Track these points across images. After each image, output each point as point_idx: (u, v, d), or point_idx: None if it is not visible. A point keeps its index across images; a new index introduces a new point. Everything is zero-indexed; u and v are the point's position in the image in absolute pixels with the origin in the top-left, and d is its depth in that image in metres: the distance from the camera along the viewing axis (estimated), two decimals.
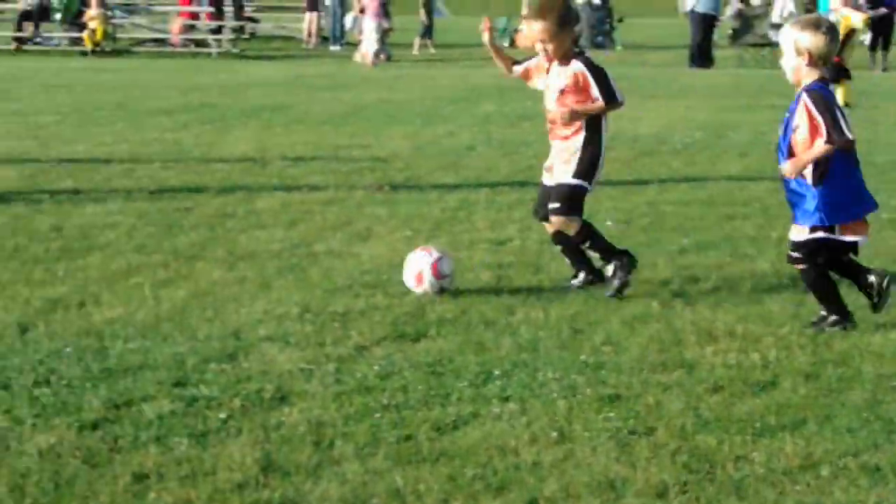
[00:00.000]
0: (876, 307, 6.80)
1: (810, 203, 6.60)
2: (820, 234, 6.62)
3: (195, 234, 9.01)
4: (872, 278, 6.78)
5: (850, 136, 6.51)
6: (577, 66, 7.54)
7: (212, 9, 33.02)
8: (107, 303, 7.08)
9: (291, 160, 12.64)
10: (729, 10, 36.45)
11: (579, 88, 7.50)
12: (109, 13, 31.85)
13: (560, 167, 7.57)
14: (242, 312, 6.94)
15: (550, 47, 7.53)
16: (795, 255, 6.74)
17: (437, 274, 7.34)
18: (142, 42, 33.19)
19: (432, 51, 32.91)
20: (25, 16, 32.04)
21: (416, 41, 33.39)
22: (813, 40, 6.59)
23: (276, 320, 6.79)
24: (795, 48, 6.64)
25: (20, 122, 15.75)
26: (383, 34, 30.32)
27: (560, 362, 6.08)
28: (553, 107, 7.60)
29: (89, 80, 22.74)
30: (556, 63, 7.56)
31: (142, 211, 9.79)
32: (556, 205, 7.49)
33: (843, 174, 6.60)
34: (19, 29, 32.01)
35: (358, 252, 8.50)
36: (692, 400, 5.54)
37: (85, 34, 30.61)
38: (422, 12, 33.90)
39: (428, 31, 33.82)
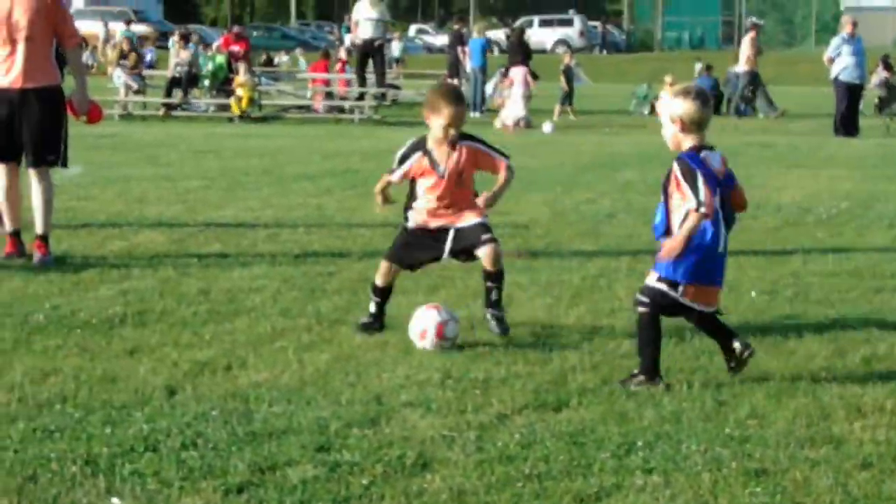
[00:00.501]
0: (733, 371, 7.03)
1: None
2: (663, 287, 6.86)
3: (338, 298, 9.12)
4: (736, 345, 6.99)
5: (702, 209, 6.74)
6: None
7: (346, 76, 33.59)
8: (252, 366, 7.19)
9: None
10: (875, 79, 36.02)
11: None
12: (256, 80, 32.53)
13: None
14: (384, 377, 6.99)
15: None
16: (639, 297, 6.95)
17: (441, 336, 7.62)
18: (286, 108, 33.81)
19: (572, 117, 32.98)
20: (175, 82, 32.87)
21: (557, 108, 33.50)
22: (684, 107, 6.89)
23: (418, 386, 6.82)
24: (669, 116, 6.95)
25: (169, 186, 16.12)
26: (525, 101, 30.48)
27: (704, 434, 6.01)
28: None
29: (236, 145, 23.21)
30: None
31: (286, 275, 9.93)
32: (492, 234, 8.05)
33: (701, 237, 6.83)
34: (168, 95, 32.84)
35: None
36: (841, 476, 5.43)
37: (232, 101, 31.29)
38: (562, 79, 34.03)
39: (568, 98, 33.92)
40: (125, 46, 35.14)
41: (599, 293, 9.46)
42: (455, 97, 8.09)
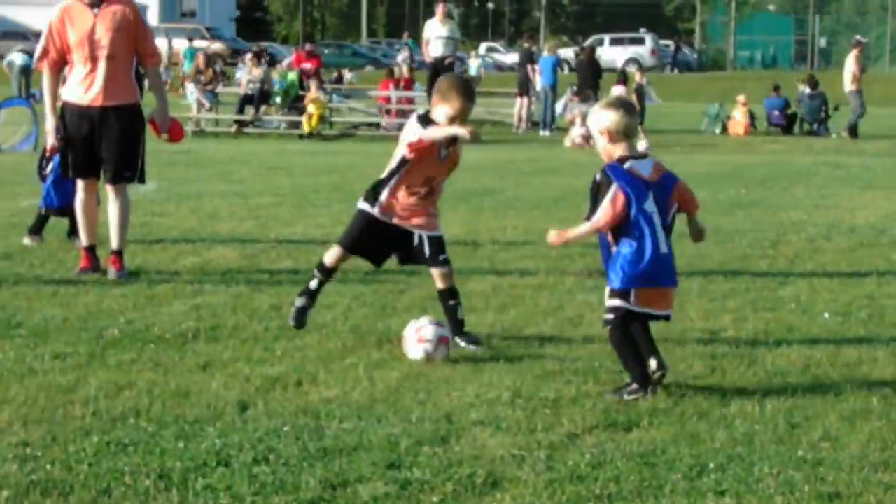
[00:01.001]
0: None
1: (611, 266, 7.13)
2: (616, 301, 7.10)
3: (408, 315, 9.12)
4: (652, 363, 7.02)
5: (597, 223, 7.15)
6: None
7: (415, 94, 33.80)
8: (323, 382, 7.23)
9: (502, 244, 12.74)
10: None
11: None
12: (327, 97, 32.74)
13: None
14: (454, 396, 7.00)
15: None
16: (604, 317, 7.21)
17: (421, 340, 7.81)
18: (357, 126, 33.99)
19: (642, 135, 32.87)
20: (247, 99, 33.15)
21: None
22: (609, 118, 7.17)
23: (488, 404, 6.83)
24: (598, 129, 7.25)
25: (241, 203, 16.25)
26: None
27: (777, 457, 5.96)
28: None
29: (306, 162, 23.36)
30: None
31: (357, 292, 9.97)
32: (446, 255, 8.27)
33: (640, 243, 7.06)
34: (240, 112, 33.12)
35: (569, 338, 8.50)
36: None
37: (304, 118, 31.49)
38: (633, 98, 33.93)
39: (640, 117, 33.85)
40: (202, 63, 35.47)
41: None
42: (467, 92, 8.21)
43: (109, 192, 10.63)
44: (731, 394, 7.09)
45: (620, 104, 7.30)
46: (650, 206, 7.12)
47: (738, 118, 35.97)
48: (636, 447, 6.09)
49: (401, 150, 8.25)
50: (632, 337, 7.12)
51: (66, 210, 11.80)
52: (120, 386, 7.04)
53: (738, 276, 11.00)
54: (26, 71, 40.61)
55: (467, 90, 8.23)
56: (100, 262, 10.71)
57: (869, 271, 11.42)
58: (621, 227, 7.12)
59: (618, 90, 30.15)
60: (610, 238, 7.21)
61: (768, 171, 22.64)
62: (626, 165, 7.16)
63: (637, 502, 5.32)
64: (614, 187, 7.11)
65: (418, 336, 7.82)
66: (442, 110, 8.13)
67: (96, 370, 7.43)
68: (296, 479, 5.51)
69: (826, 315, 9.37)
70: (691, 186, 7.54)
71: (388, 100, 35.07)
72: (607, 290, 7.20)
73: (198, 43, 53.61)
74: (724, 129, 36.08)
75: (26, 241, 12.23)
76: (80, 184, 10.67)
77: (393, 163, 8.34)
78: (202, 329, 8.53)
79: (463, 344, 8.12)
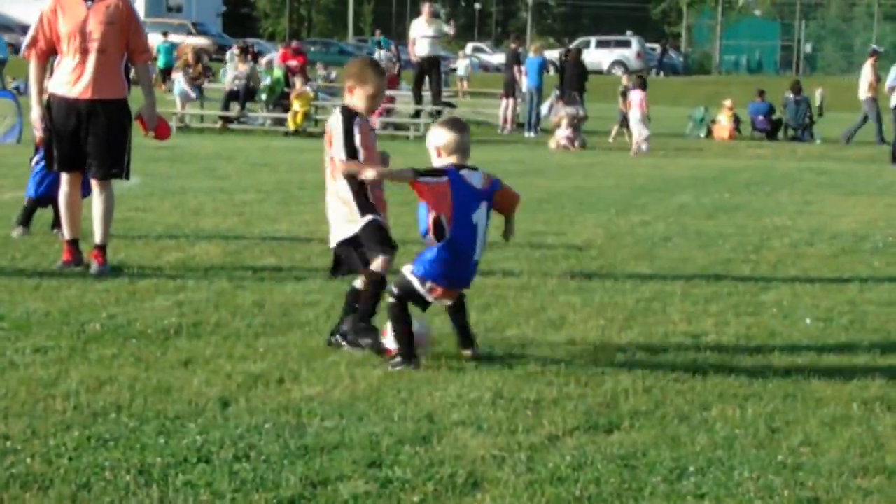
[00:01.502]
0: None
1: (425, 256, 7.64)
2: (415, 282, 7.62)
3: None
4: (466, 353, 7.74)
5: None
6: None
7: (400, 93, 33.83)
8: (305, 380, 7.22)
9: (487, 245, 12.71)
10: None
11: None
12: (312, 95, 32.70)
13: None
14: (436, 395, 6.99)
15: None
16: (391, 287, 7.67)
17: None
18: None
19: (627, 139, 32.92)
20: (232, 95, 33.11)
21: (614, 129, 33.46)
22: (439, 137, 7.72)
23: (469, 405, 6.83)
24: (431, 146, 7.77)
25: (225, 199, 16.24)
26: (579, 121, 30.44)
27: (757, 461, 5.97)
28: None
29: (291, 159, 23.35)
30: None
31: (340, 290, 9.90)
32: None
33: (461, 246, 7.55)
34: (226, 108, 33.08)
35: (551, 339, 8.51)
36: None
37: (289, 115, 31.47)
38: (620, 101, 33.98)
39: (626, 120, 33.84)
40: (190, 57, 35.42)
41: (653, 316, 9.44)
42: (380, 70, 8.22)
43: (94, 186, 10.60)
44: (713, 397, 7.10)
45: (453, 123, 7.81)
46: (479, 216, 7.62)
47: (723, 122, 36.08)
48: (617, 449, 6.10)
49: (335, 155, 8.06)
50: (408, 314, 7.61)
51: (50, 201, 11.79)
52: (101, 381, 7.02)
53: (721, 280, 11.02)
54: (2, 64, 40.39)
55: (379, 68, 8.27)
56: (83, 256, 10.70)
57: (851, 277, 11.46)
58: (450, 230, 7.57)
59: (636, 94, 30.13)
60: (432, 235, 7.64)
61: (752, 175, 22.70)
62: (461, 172, 7.65)
63: None
64: (446, 177, 7.57)
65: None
66: (360, 93, 8.01)
67: (78, 364, 7.41)
68: (276, 477, 5.51)
69: (808, 320, 9.40)
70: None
71: (389, 99, 35.04)
72: (409, 267, 7.69)
73: (173, 37, 53.46)
74: (709, 133, 36.19)
75: (14, 232, 12.22)
76: (64, 177, 10.65)
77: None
78: (184, 325, 8.52)
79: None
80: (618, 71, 63.16)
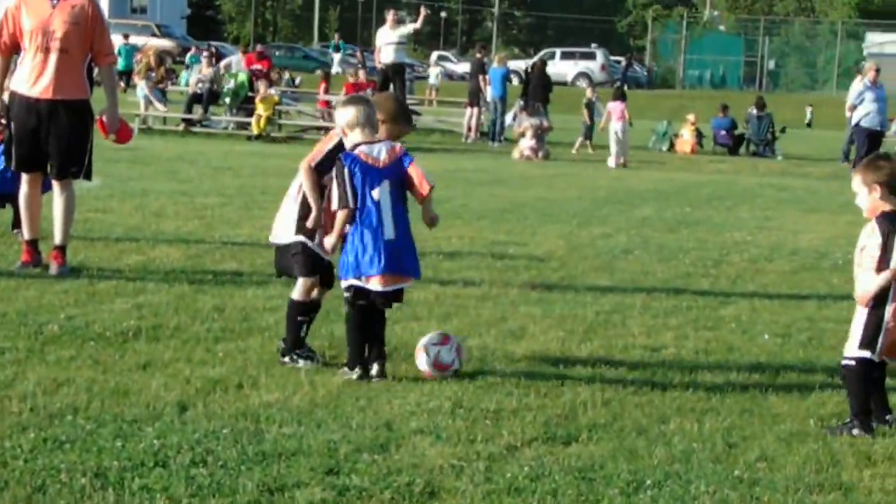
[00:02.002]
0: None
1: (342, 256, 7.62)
2: (353, 283, 7.59)
3: None
4: (374, 368, 7.57)
5: (344, 208, 7.50)
6: None
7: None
8: (264, 386, 7.20)
9: (447, 254, 12.73)
10: (895, 126, 35.94)
11: None
12: (277, 99, 32.61)
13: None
14: (395, 404, 6.99)
15: None
16: (345, 295, 7.67)
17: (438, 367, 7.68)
18: (305, 129, 33.89)
19: (591, 151, 33.01)
20: (195, 98, 32.99)
21: (578, 141, 33.53)
22: (341, 115, 7.68)
23: (428, 413, 6.83)
24: (339, 125, 7.71)
25: (187, 202, 16.17)
26: (543, 132, 30.49)
27: (713, 476, 6.00)
28: None
29: (254, 164, 23.28)
30: None
31: None
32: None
33: (366, 230, 7.49)
34: (189, 111, 32.95)
35: (511, 350, 8.51)
36: None
37: (253, 119, 31.39)
38: (585, 113, 34.07)
39: (589, 132, 33.94)
40: (153, 60, 35.27)
41: (613, 329, 9.46)
42: (410, 117, 8.38)
43: (55, 186, 10.54)
44: (671, 411, 7.13)
45: (353, 100, 8.00)
46: (382, 193, 7.52)
47: (686, 136, 36.21)
48: (574, 461, 6.11)
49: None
50: (362, 323, 7.64)
51: (9, 199, 11.70)
52: (58, 382, 6.98)
53: (681, 294, 11.07)
54: None
55: (409, 116, 8.34)
56: (42, 256, 10.63)
57: (810, 294, 11.53)
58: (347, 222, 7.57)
59: (615, 106, 30.23)
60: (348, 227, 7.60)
61: (713, 190, 22.80)
62: (356, 151, 7.57)
63: None
64: (347, 174, 7.52)
65: (417, 354, 7.79)
66: (385, 131, 7.86)
67: (35, 366, 7.36)
68: (233, 483, 5.49)
69: (766, 336, 9.45)
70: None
71: (327, 103, 35.04)
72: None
73: (135, 39, 53.21)
74: (672, 147, 36.31)
75: None
76: (24, 177, 10.58)
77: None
78: (143, 328, 8.48)
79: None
80: (582, 83, 63.35)
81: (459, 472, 5.85)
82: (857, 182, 7.17)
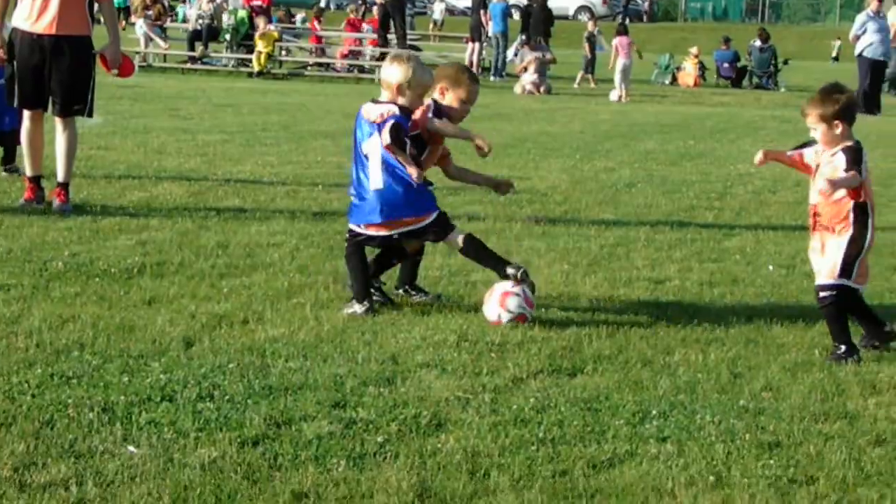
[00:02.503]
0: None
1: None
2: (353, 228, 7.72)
3: None
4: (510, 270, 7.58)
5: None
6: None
7: (374, 35, 33.62)
8: (269, 321, 7.21)
9: (451, 188, 12.67)
10: None
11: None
12: (277, 35, 32.46)
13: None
14: (400, 337, 7.00)
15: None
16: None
17: (504, 306, 7.43)
18: (306, 66, 33.76)
19: (592, 85, 32.88)
20: (196, 35, 32.83)
21: (580, 75, 33.40)
22: (396, 72, 7.61)
23: (434, 347, 6.84)
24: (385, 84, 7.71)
25: (188, 139, 16.13)
26: (546, 64, 30.35)
27: (718, 406, 6.01)
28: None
29: (255, 101, 23.20)
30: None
31: (305, 232, 9.95)
32: None
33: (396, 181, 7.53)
34: (191, 48, 32.80)
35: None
36: (854, 452, 5.44)
37: (253, 56, 31.25)
38: (586, 46, 33.91)
39: (590, 66, 33.80)
40: None
41: (617, 262, 9.46)
42: (474, 77, 8.20)
43: (57, 123, 10.51)
44: (675, 342, 7.14)
45: (410, 58, 7.79)
46: (370, 145, 7.56)
47: (688, 69, 36.07)
48: (580, 392, 6.13)
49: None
50: (362, 257, 7.72)
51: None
52: (64, 319, 6.98)
53: (685, 227, 11.05)
54: None
55: (473, 76, 8.19)
56: (45, 193, 10.61)
57: None
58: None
59: (622, 41, 30.11)
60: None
61: (716, 122, 22.73)
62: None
63: (580, 447, 5.35)
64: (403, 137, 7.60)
65: (502, 301, 7.43)
66: (452, 96, 7.92)
67: (40, 302, 7.37)
68: (240, 416, 5.50)
69: (770, 267, 9.45)
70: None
71: (318, 39, 34.90)
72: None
73: None
74: (674, 80, 36.19)
75: None
76: (26, 114, 10.54)
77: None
78: (147, 264, 8.48)
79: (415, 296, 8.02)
80: (584, 16, 62.95)
81: (465, 404, 5.87)
82: (815, 118, 6.98)
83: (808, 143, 7.24)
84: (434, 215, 7.70)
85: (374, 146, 7.57)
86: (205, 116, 19.68)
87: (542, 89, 29.64)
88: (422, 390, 6.05)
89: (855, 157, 6.92)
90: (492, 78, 33.69)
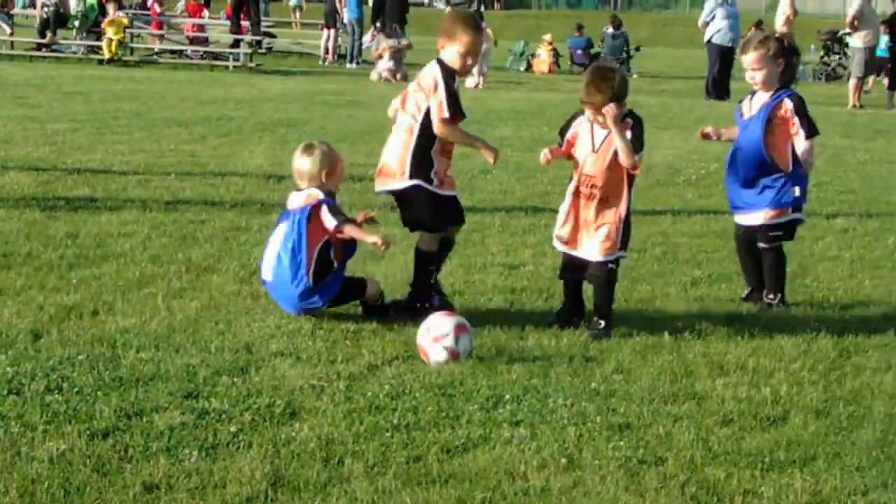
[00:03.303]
0: None
1: None
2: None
3: (209, 246, 9.04)
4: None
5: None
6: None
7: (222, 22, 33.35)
8: (120, 312, 7.10)
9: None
10: None
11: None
12: (127, 22, 31.93)
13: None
14: (254, 326, 6.95)
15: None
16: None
17: (455, 356, 6.49)
18: (159, 53, 33.28)
19: None
20: (46, 23, 32.16)
21: None
22: (306, 164, 7.31)
23: (288, 335, 6.80)
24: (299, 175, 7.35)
25: (37, 128, 15.80)
26: (401, 51, 30.37)
27: (571, 389, 6.08)
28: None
29: (106, 88, 22.80)
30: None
31: (157, 221, 9.81)
32: None
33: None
34: (42, 35, 32.11)
35: (371, 271, 8.49)
36: (702, 432, 5.55)
37: (104, 42, 30.71)
38: None
39: None
40: None
41: (472, 247, 9.50)
42: (475, 24, 7.49)
43: None
44: (529, 327, 7.20)
45: (313, 146, 7.44)
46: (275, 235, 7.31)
47: (543, 56, 36.39)
48: (435, 378, 6.15)
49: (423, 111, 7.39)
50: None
51: None
52: None
53: (539, 213, 11.14)
54: None
55: (473, 22, 7.49)
56: None
57: (664, 210, 11.70)
58: None
59: None
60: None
61: (571, 109, 22.75)
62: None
63: (434, 432, 5.37)
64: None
65: (432, 337, 6.51)
66: (453, 49, 7.32)
67: None
68: (90, 408, 5.41)
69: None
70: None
71: (159, 25, 34.42)
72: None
73: None
74: (529, 67, 36.46)
75: None
76: None
77: (418, 130, 7.42)
78: None
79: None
80: (439, 3, 63.10)
81: (320, 392, 5.85)
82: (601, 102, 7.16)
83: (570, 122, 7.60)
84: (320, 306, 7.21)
85: (278, 235, 7.22)
86: (54, 104, 19.28)
87: (398, 76, 29.63)
88: (276, 379, 6.02)
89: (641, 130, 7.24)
90: (348, 65, 33.60)
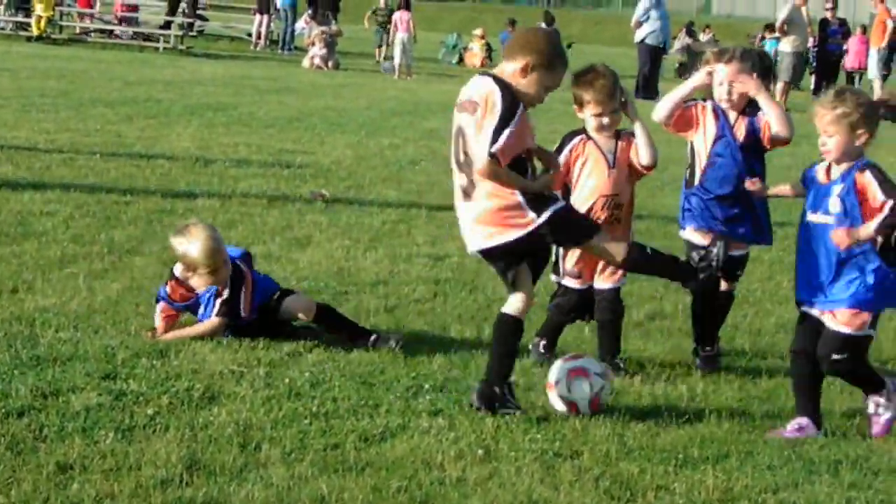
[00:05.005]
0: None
1: None
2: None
3: (133, 227, 8.98)
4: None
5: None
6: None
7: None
8: (40, 291, 7.04)
9: (234, 161, 12.60)
10: (677, 44, 36.74)
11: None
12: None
13: None
14: None
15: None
16: None
17: (597, 407, 5.81)
18: (88, 32, 32.95)
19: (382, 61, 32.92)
20: None
21: (377, 50, 33.48)
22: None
23: None
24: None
25: None
26: (333, 38, 30.26)
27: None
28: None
29: (34, 66, 22.53)
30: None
31: (80, 201, 9.72)
32: None
33: None
34: None
35: (296, 258, 8.49)
36: (618, 427, 5.60)
37: (33, 19, 30.36)
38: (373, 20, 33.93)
39: (384, 41, 33.81)
40: None
41: (398, 238, 9.52)
42: (566, 60, 6.30)
43: None
44: (451, 319, 7.23)
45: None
46: None
47: (475, 50, 36.43)
48: (356, 367, 6.16)
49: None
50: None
51: None
52: None
53: None
54: None
55: (566, 59, 6.27)
56: None
57: None
58: None
59: (401, 16, 30.17)
60: None
61: None
62: None
63: (352, 420, 5.39)
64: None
65: (547, 384, 5.90)
66: (537, 78, 6.06)
67: None
68: (5, 387, 5.37)
69: None
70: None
71: (132, 7, 34.08)
72: None
73: None
74: (461, 60, 36.49)
75: None
76: None
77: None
78: None
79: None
80: None
81: (240, 377, 5.85)
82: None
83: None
84: None
85: None
86: None
87: (329, 64, 29.54)
88: (196, 363, 6.00)
89: None
90: (279, 51, 33.45)
